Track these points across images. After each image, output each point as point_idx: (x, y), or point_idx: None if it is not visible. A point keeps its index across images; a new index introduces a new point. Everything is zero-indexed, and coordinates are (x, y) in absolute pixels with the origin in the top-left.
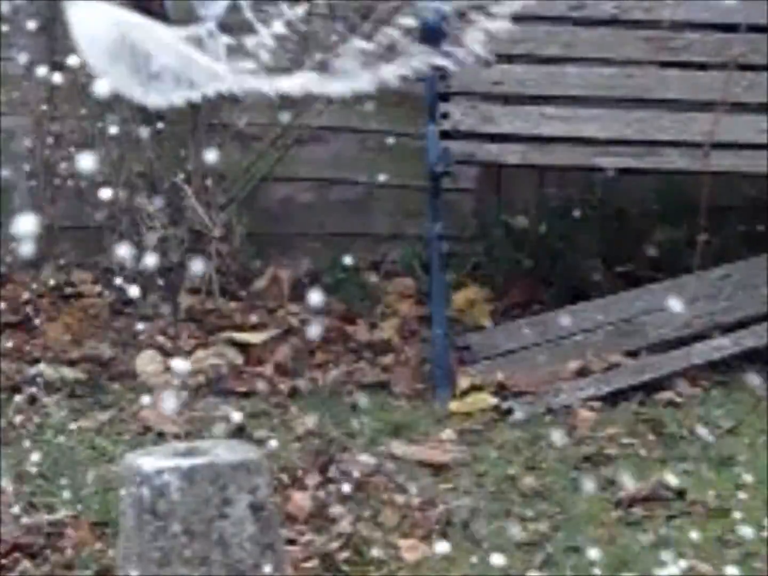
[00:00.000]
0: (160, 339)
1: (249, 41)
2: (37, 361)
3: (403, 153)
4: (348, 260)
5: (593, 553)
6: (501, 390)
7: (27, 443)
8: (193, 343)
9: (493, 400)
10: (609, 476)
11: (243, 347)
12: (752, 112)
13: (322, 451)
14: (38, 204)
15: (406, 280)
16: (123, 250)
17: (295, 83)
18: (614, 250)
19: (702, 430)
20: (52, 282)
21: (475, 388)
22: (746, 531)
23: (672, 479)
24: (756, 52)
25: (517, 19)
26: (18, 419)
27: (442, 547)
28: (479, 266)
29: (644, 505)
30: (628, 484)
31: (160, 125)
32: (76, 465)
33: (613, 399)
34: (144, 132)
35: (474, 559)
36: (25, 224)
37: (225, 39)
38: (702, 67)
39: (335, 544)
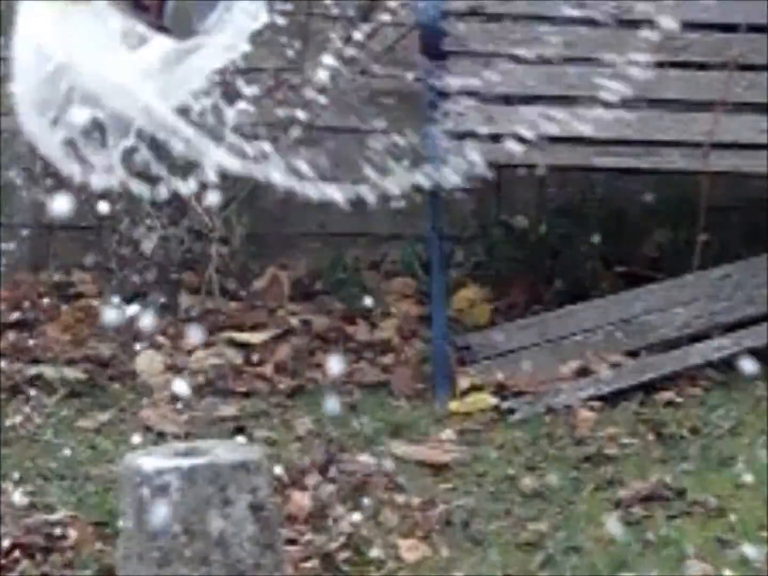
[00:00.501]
0: (160, 339)
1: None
2: (37, 361)
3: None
4: (348, 260)
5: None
6: (501, 390)
7: (27, 443)
8: (193, 343)
9: (493, 400)
10: (609, 476)
11: (243, 347)
12: (752, 112)
13: (322, 451)
14: (38, 204)
15: (406, 280)
16: (123, 250)
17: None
18: (614, 250)
19: (702, 430)
20: (52, 282)
21: (475, 388)
22: (746, 531)
23: (672, 479)
24: (756, 52)
25: (517, 19)
26: (18, 419)
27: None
28: (479, 266)
29: (644, 505)
30: (628, 484)
31: None
32: (76, 465)
33: (613, 399)
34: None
35: (474, 559)
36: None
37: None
38: (702, 67)
39: (335, 544)
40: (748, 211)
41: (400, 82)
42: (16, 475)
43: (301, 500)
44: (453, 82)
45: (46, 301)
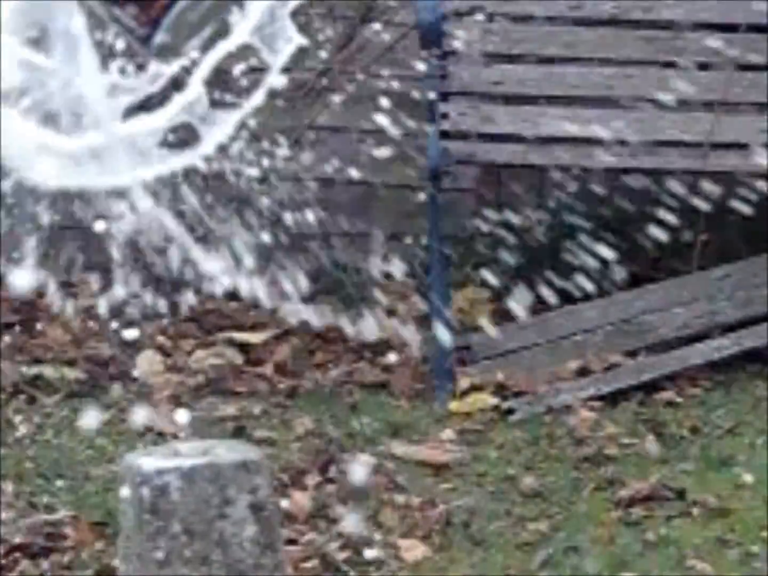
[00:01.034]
0: (160, 339)
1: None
2: (37, 361)
3: (403, 153)
4: (348, 260)
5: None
6: (501, 390)
7: (27, 443)
8: (193, 343)
9: (493, 400)
10: (609, 476)
11: (243, 347)
12: (752, 112)
13: (322, 451)
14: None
15: (406, 280)
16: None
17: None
18: (614, 250)
19: (702, 430)
20: (52, 282)
21: (475, 388)
22: (746, 531)
23: (672, 479)
24: (756, 52)
25: (517, 19)
26: (18, 419)
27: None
28: (479, 266)
29: (644, 505)
30: (628, 484)
31: None
32: (76, 465)
33: (613, 399)
34: None
35: (474, 559)
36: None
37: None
38: (702, 67)
39: (335, 544)
40: (748, 211)
41: (400, 82)
42: (16, 475)
43: (301, 500)
44: (453, 82)
45: (46, 301)
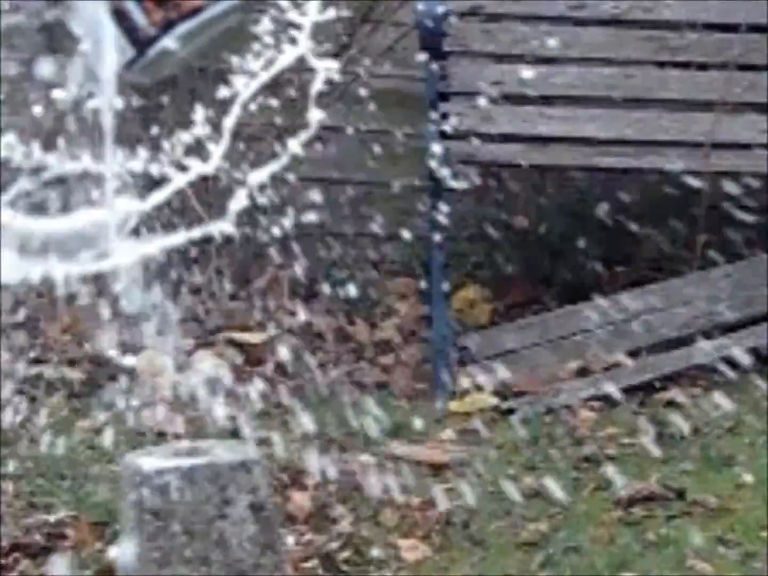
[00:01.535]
0: (161, 339)
1: None
2: (37, 361)
3: (403, 153)
4: (348, 260)
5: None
6: (501, 390)
7: (27, 443)
8: (193, 343)
9: (493, 400)
10: (609, 476)
11: (243, 347)
12: (752, 112)
13: (322, 451)
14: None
15: (406, 280)
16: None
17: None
18: (614, 250)
19: (702, 430)
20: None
21: (475, 388)
22: (746, 531)
23: (672, 479)
24: (756, 52)
25: (517, 19)
26: (18, 419)
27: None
28: (479, 266)
29: (644, 505)
30: (628, 484)
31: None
32: (76, 465)
33: (613, 399)
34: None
35: (474, 559)
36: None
37: None
38: (702, 67)
39: (335, 544)
40: (748, 211)
41: (400, 82)
42: (16, 475)
43: (301, 500)
44: (453, 82)
45: (46, 301)
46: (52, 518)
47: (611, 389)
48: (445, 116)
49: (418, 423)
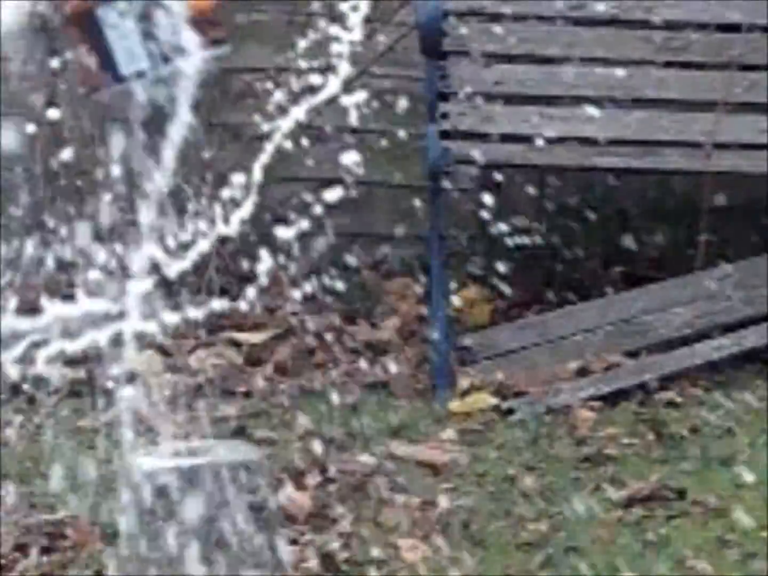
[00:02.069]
0: (160, 339)
1: None
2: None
3: (403, 153)
4: (348, 260)
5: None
6: (501, 390)
7: (27, 443)
8: (193, 343)
9: (493, 400)
10: (609, 476)
11: (243, 347)
12: (752, 112)
13: (322, 451)
14: (39, 203)
15: (406, 280)
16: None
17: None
18: (614, 250)
19: (702, 430)
20: (52, 282)
21: (475, 388)
22: (746, 531)
23: (672, 479)
24: (756, 52)
25: (517, 19)
26: (18, 419)
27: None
28: (479, 266)
29: (644, 505)
30: (628, 484)
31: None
32: (76, 465)
33: (613, 399)
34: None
35: (474, 559)
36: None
37: None
38: (702, 67)
39: (335, 544)
40: (748, 211)
41: (400, 82)
42: (16, 475)
43: (301, 500)
44: (453, 82)
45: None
46: (52, 518)
47: (611, 389)
48: (445, 116)
49: (418, 423)
